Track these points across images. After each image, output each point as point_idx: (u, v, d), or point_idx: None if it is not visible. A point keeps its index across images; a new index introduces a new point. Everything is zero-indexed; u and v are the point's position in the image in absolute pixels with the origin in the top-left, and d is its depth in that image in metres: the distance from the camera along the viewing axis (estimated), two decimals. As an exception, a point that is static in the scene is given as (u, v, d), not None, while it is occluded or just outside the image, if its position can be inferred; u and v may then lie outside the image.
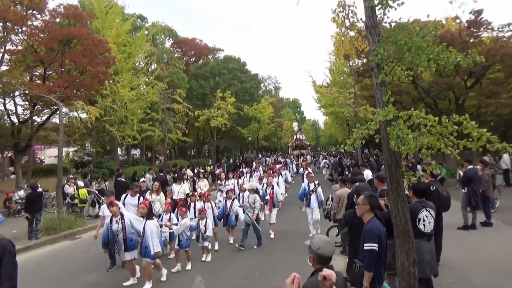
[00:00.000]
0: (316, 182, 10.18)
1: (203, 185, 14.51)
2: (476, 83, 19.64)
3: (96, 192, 15.05)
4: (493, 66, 18.33)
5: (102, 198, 15.15)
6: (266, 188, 10.96)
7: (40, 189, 14.87)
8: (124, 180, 14.10)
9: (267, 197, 10.55)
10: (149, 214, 6.75)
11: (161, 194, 9.78)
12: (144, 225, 6.63)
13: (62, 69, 20.15)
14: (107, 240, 7.03)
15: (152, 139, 29.67)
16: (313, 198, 9.84)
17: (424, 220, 4.71)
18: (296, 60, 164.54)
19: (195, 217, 8.54)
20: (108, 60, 20.64)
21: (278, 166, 21.94)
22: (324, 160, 33.30)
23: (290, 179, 18.28)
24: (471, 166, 9.81)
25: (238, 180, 14.72)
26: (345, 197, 7.22)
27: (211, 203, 9.46)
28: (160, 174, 18.44)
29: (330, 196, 8.92)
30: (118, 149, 31.33)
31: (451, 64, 3.66)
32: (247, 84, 42.17)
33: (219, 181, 15.33)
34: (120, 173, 15.63)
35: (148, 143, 32.89)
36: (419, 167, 14.31)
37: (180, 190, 11.91)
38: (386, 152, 3.94)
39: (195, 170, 22.28)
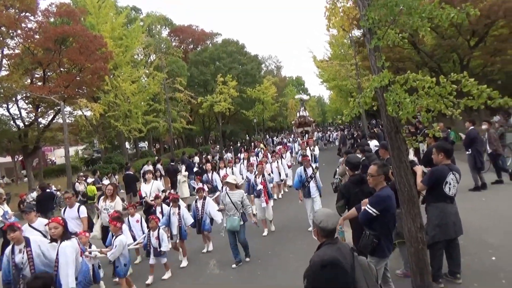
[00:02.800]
0: (314, 166, 8.66)
1: (182, 181, 12.47)
2: (479, 42, 19.12)
3: (108, 187, 15.27)
4: (496, 22, 17.77)
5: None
6: (256, 177, 9.24)
7: (53, 189, 15.25)
8: (132, 173, 14.22)
9: (259, 187, 8.86)
10: (64, 234, 4.81)
11: (117, 200, 8.04)
12: (58, 251, 4.70)
13: (61, 69, 20.18)
14: (10, 278, 4.90)
15: (158, 130, 29.81)
16: (312, 185, 8.13)
17: (450, 184, 4.68)
18: (296, 37, 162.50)
19: (167, 223, 7.44)
20: (106, 55, 20.59)
21: (278, 147, 20.21)
22: (336, 133, 34.66)
23: (290, 163, 15.66)
24: (473, 127, 9.66)
25: (227, 170, 12.57)
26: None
27: (179, 208, 7.52)
28: (172, 163, 18.53)
29: (337, 169, 8.86)
30: (126, 143, 31.55)
31: (445, 21, 3.52)
32: (248, 66, 41.78)
33: (197, 176, 12.71)
34: (128, 166, 15.82)
35: (154, 134, 33.04)
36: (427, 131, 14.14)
37: (152, 189, 9.54)
38: (385, 118, 3.85)
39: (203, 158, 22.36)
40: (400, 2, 3.72)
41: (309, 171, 8.24)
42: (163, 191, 9.79)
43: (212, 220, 7.85)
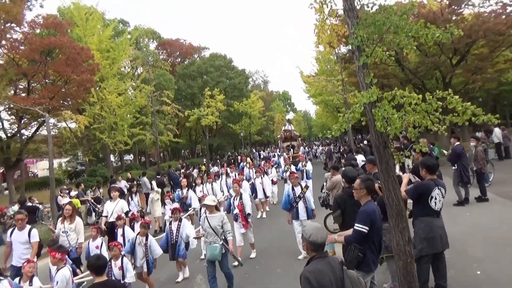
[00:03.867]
0: (304, 185, 7.86)
1: (155, 198, 11.65)
2: (461, 60, 19.74)
3: (92, 200, 14.99)
4: (477, 42, 18.41)
5: (98, 206, 15.11)
6: (234, 198, 8.16)
7: (36, 202, 14.88)
8: (118, 186, 13.99)
9: (236, 210, 7.89)
10: None
11: (77, 220, 7.22)
12: None
13: (46, 80, 19.98)
14: None
15: (144, 143, 29.58)
16: (301, 206, 7.36)
17: (435, 198, 4.75)
18: (283, 52, 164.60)
19: (131, 251, 6.48)
20: (92, 67, 20.46)
21: (262, 162, 18.99)
22: (321, 148, 35.08)
23: (275, 179, 14.77)
24: (458, 143, 9.87)
25: (207, 186, 11.52)
26: (337, 183, 7.22)
27: (147, 237, 6.55)
28: (158, 176, 18.31)
29: (324, 184, 8.92)
30: (111, 155, 31.14)
31: (431, 40, 3.64)
32: (235, 80, 42.08)
33: (170, 192, 11.96)
34: (113, 179, 15.59)
35: (140, 147, 32.75)
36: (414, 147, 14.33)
37: (115, 209, 8.83)
38: (374, 134, 3.92)
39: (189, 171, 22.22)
40: (387, 21, 3.84)
41: (297, 190, 7.49)
42: (127, 212, 8.81)
43: (187, 245, 7.04)
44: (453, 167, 9.80)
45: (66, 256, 5.50)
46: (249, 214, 7.83)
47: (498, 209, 8.81)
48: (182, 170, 21.71)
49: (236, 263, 6.84)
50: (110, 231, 8.33)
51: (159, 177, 18.23)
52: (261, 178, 12.37)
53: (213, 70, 40.83)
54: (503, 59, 20.60)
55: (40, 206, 15.37)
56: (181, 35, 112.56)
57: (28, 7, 19.49)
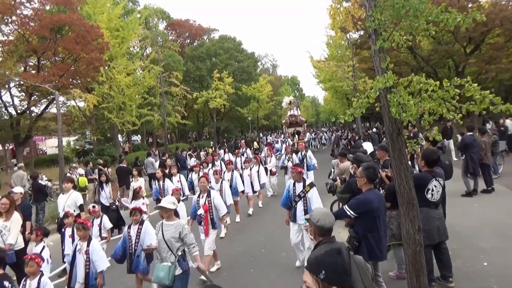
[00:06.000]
0: (308, 182, 6.10)
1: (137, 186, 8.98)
2: (475, 49, 19.33)
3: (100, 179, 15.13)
4: (493, 30, 17.98)
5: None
6: (199, 196, 6.49)
7: (45, 179, 15.06)
8: (126, 166, 14.10)
9: (200, 211, 6.26)
10: None
11: (14, 217, 5.89)
12: None
13: (56, 58, 19.99)
14: None
15: (152, 124, 29.65)
16: (299, 208, 5.93)
17: (432, 190, 4.72)
18: (293, 36, 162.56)
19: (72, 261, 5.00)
20: (102, 46, 20.37)
21: (266, 149, 16.51)
22: (329, 134, 35.24)
23: (274, 169, 12.95)
24: (471, 133, 9.74)
25: (193, 176, 10.83)
26: (346, 170, 7.20)
27: (88, 242, 4.93)
28: (162, 157, 18.28)
29: (332, 170, 8.90)
30: (119, 135, 31.31)
31: (451, 25, 3.54)
32: (244, 63, 41.71)
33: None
34: (122, 159, 15.69)
35: (148, 128, 32.85)
36: (420, 136, 14.22)
37: (67, 203, 7.23)
38: (387, 120, 3.86)
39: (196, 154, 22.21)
40: (407, 4, 3.72)
41: (299, 187, 6.02)
42: (81, 206, 7.38)
43: (150, 256, 5.37)
44: (462, 157, 9.74)
45: None
46: (213, 219, 6.28)
47: (506, 201, 8.76)
48: (189, 152, 21.74)
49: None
50: (59, 230, 7.24)
51: (163, 158, 18.21)
52: (250, 169, 10.75)
53: (222, 52, 40.47)
54: (519, 50, 20.15)
55: (49, 183, 15.57)
56: (190, 16, 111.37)
57: (38, -17, 19.36)
